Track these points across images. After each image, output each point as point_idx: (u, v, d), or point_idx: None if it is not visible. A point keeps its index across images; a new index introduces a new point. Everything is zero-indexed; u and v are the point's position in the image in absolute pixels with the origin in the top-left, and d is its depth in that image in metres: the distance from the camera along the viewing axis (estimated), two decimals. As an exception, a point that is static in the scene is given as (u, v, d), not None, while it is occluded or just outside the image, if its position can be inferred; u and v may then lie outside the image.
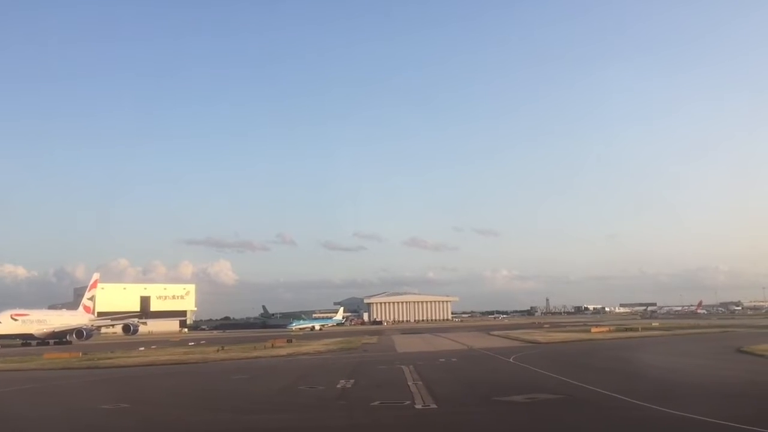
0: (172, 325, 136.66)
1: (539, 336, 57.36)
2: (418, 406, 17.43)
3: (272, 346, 53.23)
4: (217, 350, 50.45)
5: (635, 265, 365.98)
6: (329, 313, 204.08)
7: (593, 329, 65.46)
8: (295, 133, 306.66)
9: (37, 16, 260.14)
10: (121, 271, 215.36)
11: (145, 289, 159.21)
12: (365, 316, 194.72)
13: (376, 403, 18.41)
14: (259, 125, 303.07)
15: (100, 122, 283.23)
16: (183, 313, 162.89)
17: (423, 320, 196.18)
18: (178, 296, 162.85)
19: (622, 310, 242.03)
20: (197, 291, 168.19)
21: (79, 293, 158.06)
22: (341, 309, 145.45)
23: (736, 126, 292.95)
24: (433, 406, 17.61)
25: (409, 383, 22.95)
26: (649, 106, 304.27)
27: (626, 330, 63.84)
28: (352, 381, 24.42)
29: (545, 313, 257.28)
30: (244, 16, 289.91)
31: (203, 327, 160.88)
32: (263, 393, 22.88)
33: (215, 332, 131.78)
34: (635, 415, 15.40)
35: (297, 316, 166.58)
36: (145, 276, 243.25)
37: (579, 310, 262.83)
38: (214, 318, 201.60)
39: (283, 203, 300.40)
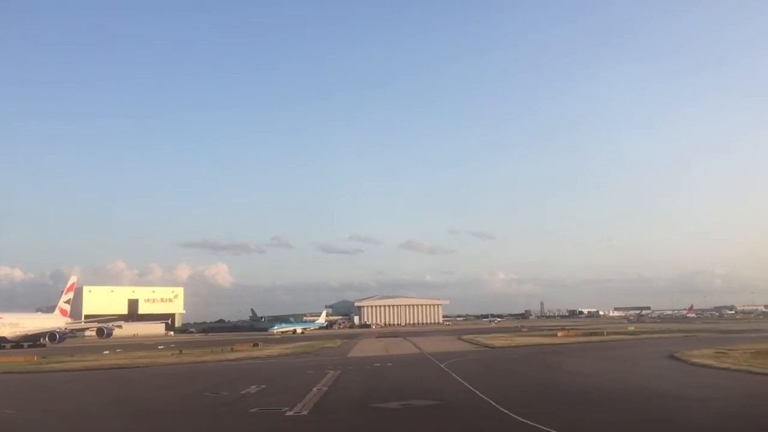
0: (158, 328, 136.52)
1: (502, 341, 57.38)
2: (289, 414, 17.50)
3: (231, 350, 53.43)
4: (172, 354, 50.54)
5: (633, 268, 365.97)
6: (318, 316, 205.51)
7: (560, 333, 65.41)
8: (291, 136, 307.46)
9: (37, 17, 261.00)
10: (117, 273, 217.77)
11: (133, 292, 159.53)
12: (356, 320, 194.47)
13: (255, 409, 18.58)
14: (254, 128, 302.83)
15: (98, 125, 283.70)
16: (171, 316, 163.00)
17: (414, 323, 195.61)
18: (166, 299, 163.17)
19: (616, 313, 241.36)
20: (186, 294, 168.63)
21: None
22: (324, 312, 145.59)
23: (734, 130, 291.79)
24: (305, 413, 17.68)
25: (314, 389, 23.01)
26: (648, 110, 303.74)
27: (591, 334, 63.79)
28: (263, 387, 24.56)
29: (539, 317, 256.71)
30: (243, 19, 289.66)
31: (191, 330, 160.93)
32: (166, 400, 22.94)
33: (197, 335, 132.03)
34: (482, 423, 15.56)
35: (285, 319, 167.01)
36: (142, 278, 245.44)
37: (573, 314, 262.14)
38: (208, 320, 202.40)
39: (278, 206, 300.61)
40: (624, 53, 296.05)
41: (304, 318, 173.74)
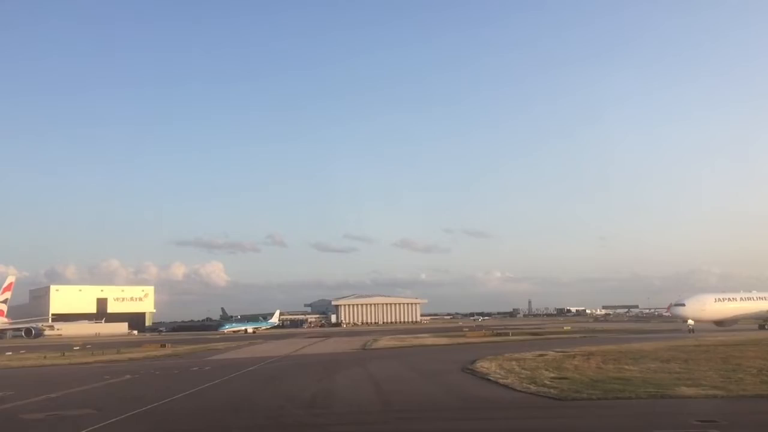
0: (120, 327, 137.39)
1: (401, 341, 57.45)
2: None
3: (140, 349, 54.80)
4: (61, 355, 50.63)
5: (627, 267, 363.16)
6: (296, 314, 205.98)
7: (468, 334, 65.27)
8: (285, 135, 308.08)
9: (37, 17, 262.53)
10: (112, 272, 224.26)
11: (102, 291, 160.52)
12: (333, 318, 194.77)
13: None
14: (247, 127, 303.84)
15: (98, 128, 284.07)
16: (142, 315, 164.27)
17: (391, 322, 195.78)
18: (136, 298, 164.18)
19: (602, 311, 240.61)
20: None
21: (34, 295, 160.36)
22: (277, 312, 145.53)
23: (730, 131, 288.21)
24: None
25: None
26: (643, 110, 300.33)
27: (496, 335, 63.50)
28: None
29: (527, 315, 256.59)
30: (242, 22, 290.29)
31: (161, 329, 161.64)
32: None
33: (156, 334, 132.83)
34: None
35: (254, 318, 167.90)
36: (137, 277, 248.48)
37: (561, 312, 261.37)
38: (196, 319, 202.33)
39: (271, 204, 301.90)
40: (618, 54, 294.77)
41: (282, 316, 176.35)
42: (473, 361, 30.66)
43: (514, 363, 29.18)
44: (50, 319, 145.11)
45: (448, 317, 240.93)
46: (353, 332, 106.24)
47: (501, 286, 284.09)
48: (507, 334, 63.20)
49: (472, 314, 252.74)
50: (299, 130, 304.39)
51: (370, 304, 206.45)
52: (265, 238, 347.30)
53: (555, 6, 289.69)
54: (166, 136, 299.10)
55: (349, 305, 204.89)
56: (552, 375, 24.05)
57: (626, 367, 26.42)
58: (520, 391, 20.45)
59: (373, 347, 51.88)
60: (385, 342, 57.56)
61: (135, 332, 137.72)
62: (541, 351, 36.06)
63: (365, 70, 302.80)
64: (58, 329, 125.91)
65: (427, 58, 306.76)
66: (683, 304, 69.41)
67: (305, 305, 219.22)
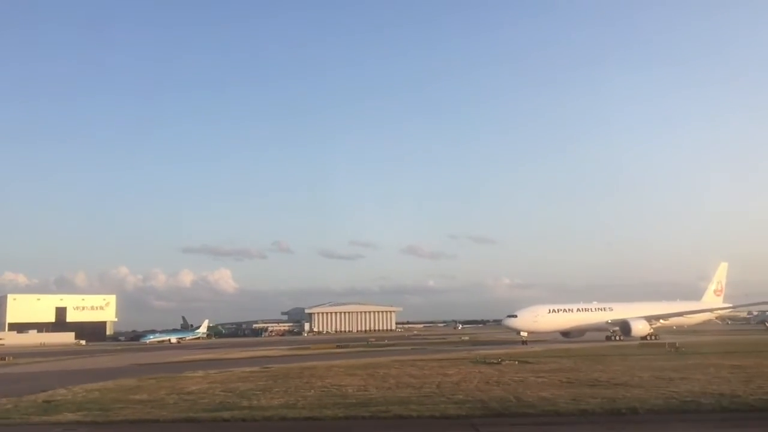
0: (66, 337, 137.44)
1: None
2: None
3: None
4: None
5: (636, 273, 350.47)
6: (274, 323, 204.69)
7: (312, 347, 62.27)
8: (291, 142, 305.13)
9: (37, 19, 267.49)
10: (122, 279, 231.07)
11: (61, 300, 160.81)
12: (307, 326, 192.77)
13: None
14: (255, 135, 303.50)
15: (101, 132, 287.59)
16: (102, 324, 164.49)
17: (365, 330, 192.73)
18: (97, 307, 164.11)
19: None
20: (117, 300, 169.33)
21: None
22: (206, 321, 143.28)
23: (738, 132, 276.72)
24: None
25: None
26: (650, 114, 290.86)
27: (337, 347, 60.37)
28: None
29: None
30: (243, 26, 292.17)
31: (121, 337, 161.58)
32: None
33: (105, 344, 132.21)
34: None
35: (216, 329, 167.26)
36: (145, 284, 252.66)
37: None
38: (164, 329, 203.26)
39: (277, 211, 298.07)
40: (625, 58, 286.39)
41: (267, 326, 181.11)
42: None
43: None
44: (6, 328, 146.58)
45: (443, 324, 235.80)
46: (269, 343, 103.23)
47: (508, 292, 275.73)
48: (346, 347, 59.84)
49: (454, 321, 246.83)
50: (304, 137, 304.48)
51: (345, 312, 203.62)
52: (271, 245, 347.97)
53: (564, 9, 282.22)
54: (169, 141, 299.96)
55: (322, 313, 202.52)
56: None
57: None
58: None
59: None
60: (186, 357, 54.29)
61: (83, 342, 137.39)
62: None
63: (371, 76, 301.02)
64: (1, 339, 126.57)
65: (433, 63, 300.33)
66: (515, 316, 66.56)
67: (282, 313, 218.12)
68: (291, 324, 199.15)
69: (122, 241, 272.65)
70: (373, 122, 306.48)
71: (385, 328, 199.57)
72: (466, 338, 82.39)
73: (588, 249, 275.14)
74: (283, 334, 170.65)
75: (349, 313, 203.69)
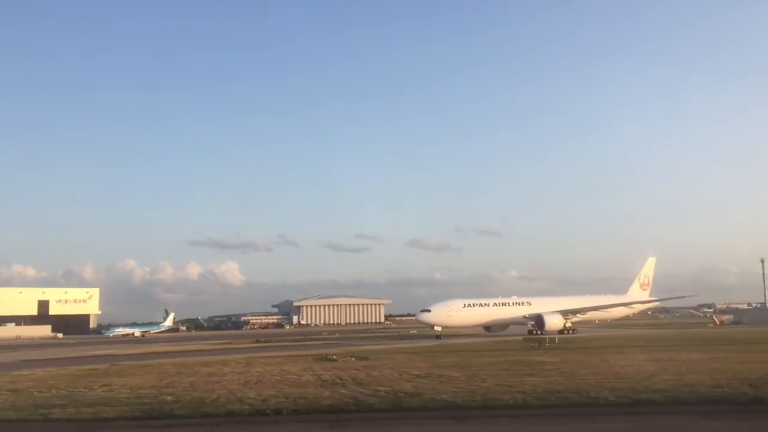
0: (42, 330, 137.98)
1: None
2: None
3: None
4: None
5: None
6: (262, 316, 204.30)
7: (236, 341, 60.92)
8: (295, 134, 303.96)
9: (38, 19, 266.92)
10: (129, 272, 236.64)
11: (44, 293, 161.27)
12: (295, 319, 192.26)
13: None
14: (260, 129, 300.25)
15: (105, 127, 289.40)
16: (85, 317, 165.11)
17: (354, 323, 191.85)
18: (80, 300, 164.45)
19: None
20: (102, 294, 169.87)
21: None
22: (172, 315, 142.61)
23: (746, 126, 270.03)
24: None
25: None
26: (659, 108, 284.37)
27: (256, 341, 59.09)
28: None
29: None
30: (245, 21, 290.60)
31: (103, 330, 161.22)
32: None
33: (72, 337, 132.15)
34: None
35: (197, 322, 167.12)
36: (152, 276, 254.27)
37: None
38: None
39: (282, 204, 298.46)
40: (640, 55, 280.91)
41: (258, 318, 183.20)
42: None
43: None
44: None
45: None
46: (227, 336, 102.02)
47: (514, 284, 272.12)
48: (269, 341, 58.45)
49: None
50: (310, 130, 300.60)
51: (333, 305, 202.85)
52: (276, 237, 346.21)
53: (567, 6, 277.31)
54: (176, 136, 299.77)
55: (310, 306, 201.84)
56: None
57: None
58: None
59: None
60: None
61: (60, 335, 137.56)
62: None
63: (378, 70, 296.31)
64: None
65: (439, 58, 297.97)
66: (429, 311, 65.54)
67: (272, 306, 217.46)
68: (279, 317, 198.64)
69: (130, 234, 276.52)
70: (378, 116, 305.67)
71: (374, 320, 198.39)
72: (414, 332, 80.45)
73: (594, 242, 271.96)
74: (265, 327, 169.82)
75: (337, 305, 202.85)
